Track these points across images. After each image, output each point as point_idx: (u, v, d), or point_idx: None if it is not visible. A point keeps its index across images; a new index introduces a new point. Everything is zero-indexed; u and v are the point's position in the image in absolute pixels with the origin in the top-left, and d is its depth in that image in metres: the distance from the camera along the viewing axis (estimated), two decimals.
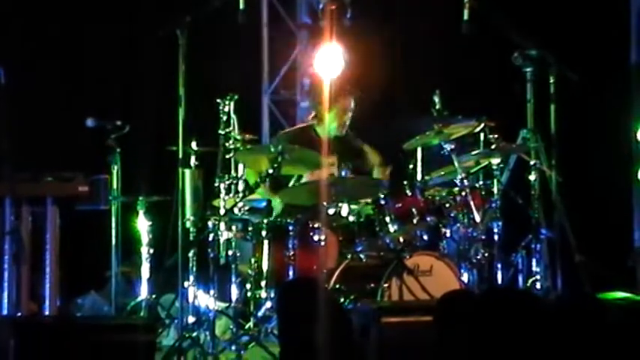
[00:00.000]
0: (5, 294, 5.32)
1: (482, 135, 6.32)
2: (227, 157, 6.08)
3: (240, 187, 6.04)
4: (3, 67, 5.52)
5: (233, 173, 6.06)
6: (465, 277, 6.04)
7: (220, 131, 6.06)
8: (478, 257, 6.07)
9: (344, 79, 6.54)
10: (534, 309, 3.10)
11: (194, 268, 5.91)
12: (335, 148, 6.44)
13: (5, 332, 4.61)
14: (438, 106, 6.17)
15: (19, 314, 5.32)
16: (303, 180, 6.36)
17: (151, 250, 6.45)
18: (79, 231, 6.19)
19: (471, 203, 6.06)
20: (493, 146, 6.23)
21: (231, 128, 6.07)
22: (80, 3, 7.36)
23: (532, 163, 6.37)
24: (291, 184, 6.40)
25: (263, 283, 6.03)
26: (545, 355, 3.13)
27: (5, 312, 5.31)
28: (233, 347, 5.80)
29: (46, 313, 5.40)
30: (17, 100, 6.24)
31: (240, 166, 6.11)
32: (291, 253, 6.01)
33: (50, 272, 5.40)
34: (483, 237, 6.09)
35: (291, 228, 6.04)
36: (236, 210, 5.97)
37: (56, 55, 7.25)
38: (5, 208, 5.36)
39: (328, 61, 5.91)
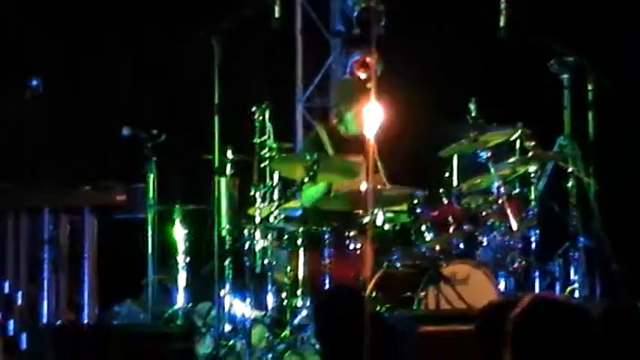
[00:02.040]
0: (45, 303, 5.36)
1: (518, 142, 6.28)
2: (262, 165, 6.08)
3: (276, 195, 6.05)
4: (41, 77, 5.58)
5: (268, 181, 6.06)
6: (501, 286, 6.00)
7: (255, 140, 6.07)
8: (515, 266, 6.03)
9: (365, 81, 6.55)
10: (582, 320, 3.06)
11: (230, 277, 5.92)
12: (361, 146, 6.42)
13: (45, 341, 4.64)
14: (473, 114, 6.14)
15: (58, 323, 5.36)
16: (337, 187, 6.35)
17: (187, 259, 6.46)
18: (116, 239, 6.22)
19: (508, 211, 6.02)
20: (530, 154, 6.19)
21: (266, 136, 6.08)
22: (116, 13, 7.41)
23: (569, 170, 6.33)
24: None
25: (299, 292, 6.01)
26: None
27: (45, 320, 5.35)
28: (269, 355, 5.80)
29: (85, 321, 5.44)
30: (55, 110, 6.31)
31: (276, 175, 6.11)
32: (327, 261, 6.00)
33: (88, 281, 5.44)
34: (520, 245, 6.04)
35: (326, 236, 6.03)
36: (271, 218, 5.97)
37: (93, 65, 7.30)
38: (44, 217, 5.40)
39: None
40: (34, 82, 5.44)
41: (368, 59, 7.53)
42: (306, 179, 5.89)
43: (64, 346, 4.65)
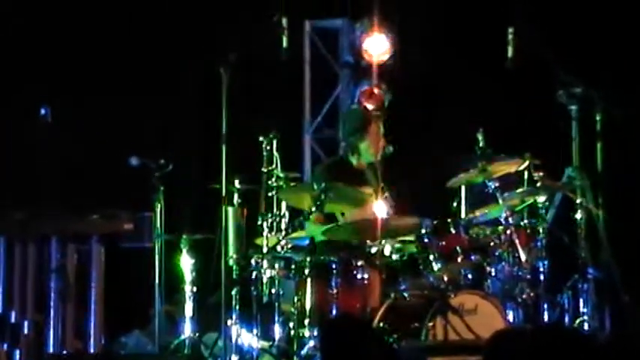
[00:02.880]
0: (51, 331, 5.34)
1: (526, 173, 6.27)
2: (270, 195, 6.08)
3: (283, 224, 6.03)
4: (50, 106, 5.60)
5: (276, 211, 6.05)
6: (510, 317, 5.96)
7: (263, 169, 6.07)
8: (524, 296, 5.99)
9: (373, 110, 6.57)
10: (585, 348, 3.04)
11: (237, 307, 5.90)
12: (373, 176, 6.42)
13: None
14: (481, 144, 6.13)
15: (65, 352, 5.33)
16: (346, 216, 6.34)
17: (194, 289, 6.44)
18: (123, 269, 6.22)
19: (516, 242, 6.00)
20: (538, 184, 6.17)
21: (273, 166, 6.08)
22: (124, 42, 7.45)
23: (578, 201, 6.31)
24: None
25: (306, 322, 5.98)
26: None
27: (51, 349, 5.33)
28: None
29: (91, 351, 5.41)
30: (63, 139, 6.33)
31: (283, 204, 6.11)
32: (335, 291, 5.97)
33: (95, 310, 5.42)
34: (529, 276, 6.01)
35: (334, 266, 6.01)
36: (279, 248, 5.96)
37: (101, 94, 7.33)
38: (51, 245, 5.40)
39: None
40: (43, 111, 5.46)
41: (376, 90, 7.57)
42: (313, 209, 5.88)
43: None
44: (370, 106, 7.24)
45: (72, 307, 5.38)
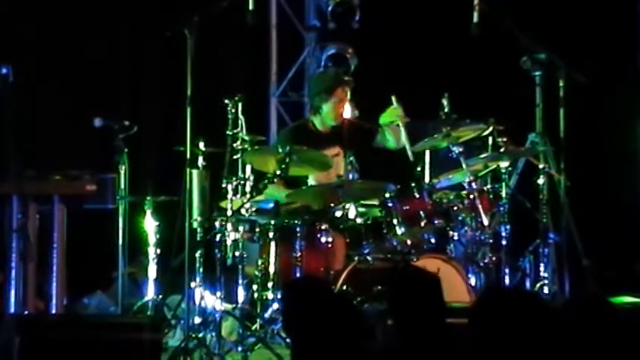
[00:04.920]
0: (12, 292, 5.32)
1: (490, 138, 6.30)
2: (234, 158, 6.06)
3: (248, 188, 6.02)
4: (11, 65, 5.53)
5: (240, 174, 6.04)
6: (472, 281, 6.02)
7: (228, 132, 6.05)
8: (486, 261, 6.05)
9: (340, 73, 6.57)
10: (542, 310, 3.07)
11: (201, 269, 5.90)
12: (336, 138, 6.42)
13: (11, 330, 4.60)
14: (446, 109, 6.15)
15: (26, 312, 5.31)
16: (310, 180, 6.35)
17: (158, 251, 6.43)
18: (86, 230, 6.19)
19: (479, 206, 6.04)
20: (502, 149, 6.21)
21: (238, 129, 6.06)
22: (89, 3, 7.36)
23: (540, 166, 6.35)
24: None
25: (270, 285, 6.00)
26: (552, 356, 3.11)
27: (12, 310, 5.31)
28: (239, 348, 5.78)
29: (53, 311, 5.39)
30: (25, 99, 6.26)
31: (248, 167, 6.09)
32: (298, 254, 5.99)
33: (57, 271, 5.40)
34: (491, 241, 6.06)
35: (298, 229, 6.02)
36: (243, 211, 5.95)
37: (64, 55, 7.25)
38: (12, 205, 5.35)
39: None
40: (4, 70, 5.38)
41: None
42: (278, 172, 5.87)
43: (30, 336, 4.60)
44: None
45: (33, 268, 5.35)
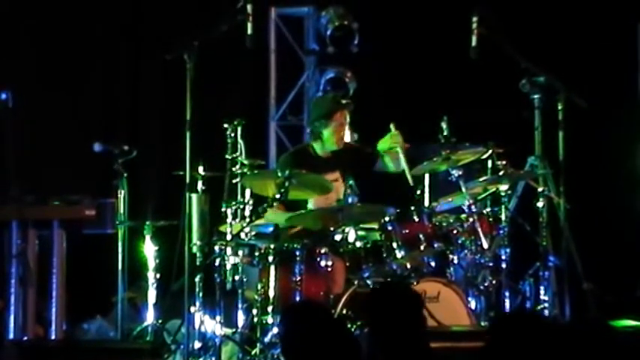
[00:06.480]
0: (12, 317, 5.31)
1: (490, 161, 6.31)
2: (234, 182, 6.07)
3: (247, 212, 6.03)
4: (11, 90, 5.55)
5: (240, 198, 6.04)
6: (472, 304, 6.00)
7: (227, 156, 6.05)
8: (486, 284, 6.04)
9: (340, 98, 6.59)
10: (545, 333, 3.07)
11: (200, 294, 5.89)
12: (336, 163, 6.43)
13: (11, 356, 4.59)
14: (445, 133, 6.16)
15: (25, 338, 5.30)
16: (310, 204, 6.35)
17: (158, 275, 6.41)
18: (85, 255, 6.18)
19: (479, 230, 6.04)
20: (501, 173, 6.21)
21: (238, 153, 6.07)
22: (88, 28, 7.39)
23: (540, 190, 6.36)
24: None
25: (269, 309, 5.99)
26: None
27: (11, 335, 5.29)
28: None
29: (52, 337, 5.38)
30: (25, 124, 6.28)
31: (247, 191, 6.10)
32: (298, 278, 5.98)
33: (56, 296, 5.40)
34: (491, 264, 6.05)
35: (297, 253, 6.02)
36: (243, 235, 5.95)
37: (64, 79, 7.27)
38: (12, 231, 5.35)
39: None
40: (4, 95, 5.40)
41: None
42: (277, 196, 5.88)
43: None
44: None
45: (33, 293, 5.34)
